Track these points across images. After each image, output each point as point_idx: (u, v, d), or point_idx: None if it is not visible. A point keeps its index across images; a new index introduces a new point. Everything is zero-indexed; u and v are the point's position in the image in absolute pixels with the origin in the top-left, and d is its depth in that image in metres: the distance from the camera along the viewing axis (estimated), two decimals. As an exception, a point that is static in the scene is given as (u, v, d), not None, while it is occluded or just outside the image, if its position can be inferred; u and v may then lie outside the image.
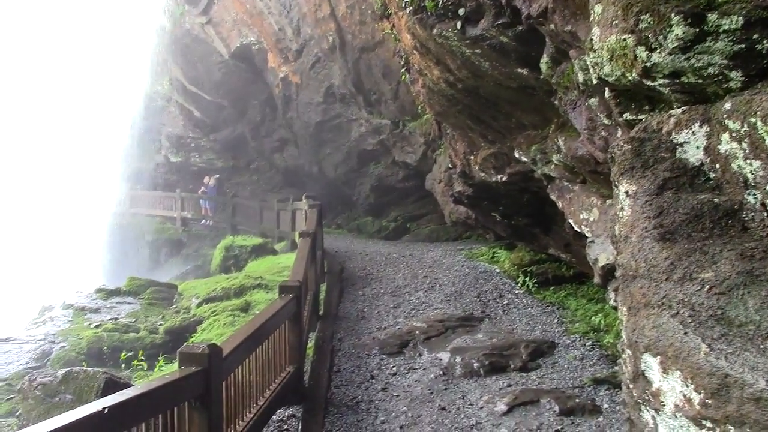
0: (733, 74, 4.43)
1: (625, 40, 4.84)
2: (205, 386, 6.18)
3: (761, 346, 4.01)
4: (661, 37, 4.58)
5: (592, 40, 5.38)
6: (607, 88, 5.56)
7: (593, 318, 13.01)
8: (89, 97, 31.85)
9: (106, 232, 31.11)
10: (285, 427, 9.27)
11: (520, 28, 8.85)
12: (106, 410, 4.67)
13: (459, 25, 9.86)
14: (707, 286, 4.27)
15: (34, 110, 31.19)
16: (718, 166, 4.54)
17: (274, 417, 9.21)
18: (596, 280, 9.13)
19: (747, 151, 4.29)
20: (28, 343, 17.37)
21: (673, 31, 4.50)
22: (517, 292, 15.42)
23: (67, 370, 11.73)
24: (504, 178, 13.75)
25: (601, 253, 8.81)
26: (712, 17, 4.37)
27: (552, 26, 7.56)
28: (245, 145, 33.54)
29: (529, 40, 8.91)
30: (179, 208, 33.61)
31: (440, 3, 10.27)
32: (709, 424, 4.16)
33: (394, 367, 11.48)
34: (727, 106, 4.42)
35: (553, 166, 10.61)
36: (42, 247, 29.11)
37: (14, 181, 30.26)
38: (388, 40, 21.35)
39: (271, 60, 29.15)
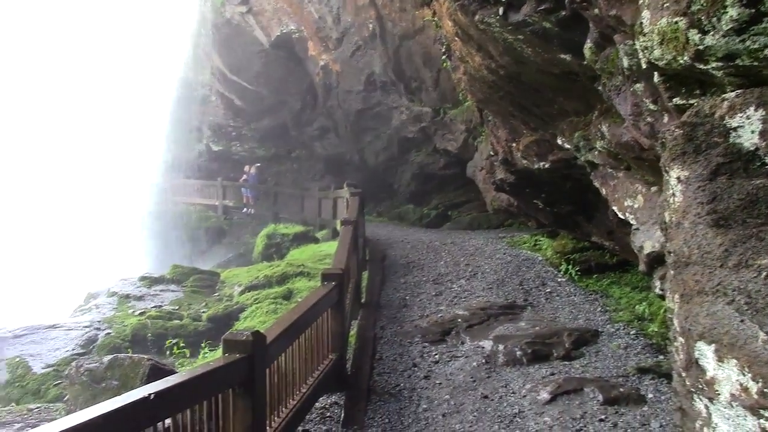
0: (791, 56, 4.32)
1: (676, 22, 4.74)
2: (249, 373, 6.20)
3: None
4: (714, 19, 4.47)
5: (641, 23, 5.27)
6: (656, 73, 5.45)
7: (637, 306, 12.85)
8: (132, 87, 32.09)
9: (150, 220, 31.38)
10: (328, 414, 9.29)
11: (563, 13, 8.73)
12: (153, 396, 4.70)
13: (501, 11, 9.75)
14: (764, 273, 4.17)
15: (78, 100, 31.51)
16: (774, 150, 4.43)
17: (316, 404, 9.24)
18: (641, 267, 9.02)
19: (803, 136, 4.19)
20: (75, 330, 17.60)
21: (727, 12, 4.39)
22: (559, 280, 15.29)
23: (112, 356, 11.88)
24: (546, 165, 13.62)
25: (646, 241, 8.70)
26: (768, -3, 4.26)
27: (596, 11, 7.45)
28: (286, 134, 33.62)
29: (572, 26, 8.79)
30: (221, 196, 33.82)
31: (482, -11, 10.18)
32: (767, 414, 4.07)
33: (436, 354, 11.45)
34: (785, 89, 4.32)
35: (596, 152, 10.47)
36: (87, 236, 29.43)
37: (62, 171, 30.61)
38: (429, 27, 21.28)
39: (311, 48, 29.18)
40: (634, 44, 5.88)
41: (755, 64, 4.45)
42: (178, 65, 33.06)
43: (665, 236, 5.15)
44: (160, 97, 32.70)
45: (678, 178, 4.92)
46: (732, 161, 4.59)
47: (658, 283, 7.97)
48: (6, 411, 13.93)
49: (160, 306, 19.06)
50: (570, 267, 15.53)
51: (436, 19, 14.98)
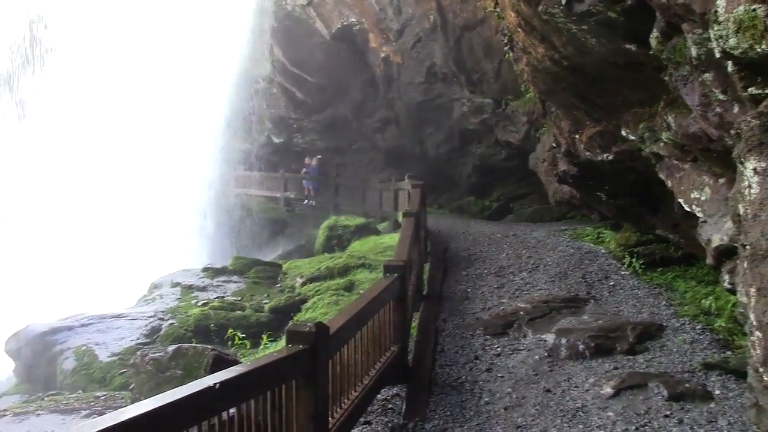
0: None
1: (754, 10, 4.63)
2: (312, 364, 6.24)
3: None
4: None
5: (716, 12, 5.17)
6: (730, 62, 5.33)
7: (703, 301, 12.63)
8: (194, 80, 32.41)
9: (212, 212, 31.73)
10: (389, 406, 9.31)
11: (629, 2, 8.61)
12: (218, 385, 4.76)
13: (565, 1, 9.65)
14: None
15: (141, 94, 31.94)
16: None
17: (378, 396, 9.25)
18: (708, 261, 8.86)
19: None
20: (139, 320, 17.90)
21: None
22: (623, 273, 15.12)
23: (177, 346, 12.05)
24: (610, 157, 13.44)
25: (714, 234, 8.54)
26: None
27: (663, 0, 7.33)
28: (347, 126, 33.71)
29: (637, 15, 8.66)
30: (283, 188, 34.06)
31: (546, -21, 10.08)
32: None
33: (498, 347, 11.41)
34: None
35: (661, 144, 10.31)
36: (151, 227, 29.83)
37: (127, 163, 31.06)
38: (491, 18, 21.13)
39: (372, 40, 29.20)
40: (704, 33, 5.77)
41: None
42: (239, 58, 33.30)
43: (739, 229, 5.04)
44: (222, 90, 32.98)
45: (754, 170, 4.80)
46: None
47: (726, 277, 7.82)
48: (73, 398, 14.26)
49: (223, 297, 19.26)
50: (634, 260, 15.33)
51: (498, 10, 14.87)
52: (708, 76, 6.90)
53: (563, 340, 11.14)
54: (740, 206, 4.98)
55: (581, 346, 10.88)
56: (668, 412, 8.50)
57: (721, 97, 6.72)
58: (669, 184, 10.68)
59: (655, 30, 8.24)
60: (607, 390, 9.26)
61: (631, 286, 14.17)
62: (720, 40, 5.16)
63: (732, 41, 4.98)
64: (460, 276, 15.83)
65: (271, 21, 32.05)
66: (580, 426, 8.38)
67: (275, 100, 35.64)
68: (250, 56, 33.47)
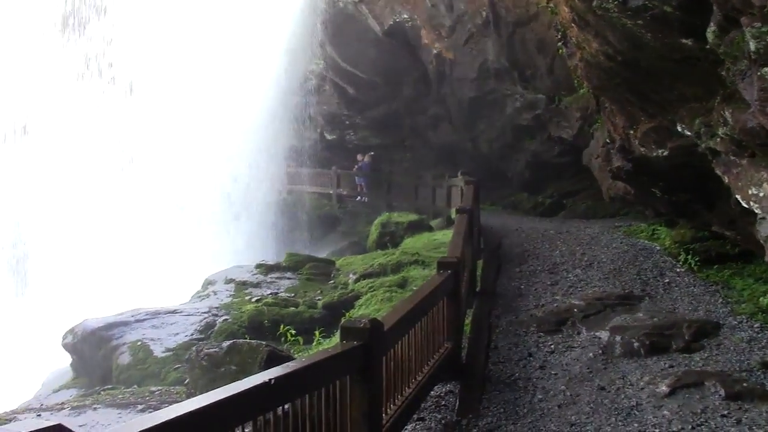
0: None
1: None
2: (366, 360, 6.27)
3: None
4: None
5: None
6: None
7: (761, 299, 12.42)
8: (246, 78, 32.61)
9: (265, 208, 31.93)
10: (443, 402, 9.32)
11: (685, -4, 8.54)
12: (273, 381, 4.81)
13: (619, -5, 9.59)
14: None
15: (195, 92, 32.21)
16: None
17: (431, 392, 9.27)
18: (767, 258, 8.75)
19: None
20: (193, 316, 18.08)
21: None
22: (678, 270, 14.94)
23: (231, 342, 12.19)
24: (665, 153, 13.30)
25: (772, 231, 8.43)
26: None
27: (721, -7, 7.26)
28: (399, 122, 33.72)
29: (693, 9, 8.57)
30: (335, 185, 34.19)
31: (600, -26, 10.01)
32: None
33: (551, 344, 11.36)
34: None
35: (718, 139, 10.18)
36: (206, 223, 30.14)
37: (183, 157, 31.35)
38: (543, 14, 21.03)
39: (424, 37, 29.18)
40: (763, 27, 5.70)
41: None
42: (291, 56, 33.44)
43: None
44: (274, 88, 33.13)
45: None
46: None
47: (785, 275, 7.71)
48: (129, 392, 14.47)
49: (276, 293, 19.36)
50: (689, 257, 15.13)
51: (551, 5, 14.80)
52: (767, 70, 6.81)
53: (618, 338, 11.05)
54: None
55: (636, 344, 10.79)
56: (726, 412, 8.39)
57: (781, 91, 6.63)
58: (726, 180, 10.55)
59: (712, 24, 8.15)
60: (663, 388, 9.17)
61: (687, 284, 14.00)
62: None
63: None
64: (513, 273, 15.77)
65: (323, 18, 32.14)
66: (635, 425, 8.31)
67: (327, 97, 35.77)
68: (302, 54, 33.61)
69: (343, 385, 5.98)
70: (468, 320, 12.32)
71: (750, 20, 6.79)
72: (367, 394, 6.25)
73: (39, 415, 12.39)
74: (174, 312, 18.26)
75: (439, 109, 31.60)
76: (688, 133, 11.36)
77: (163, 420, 3.78)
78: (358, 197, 33.62)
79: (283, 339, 15.23)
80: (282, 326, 15.76)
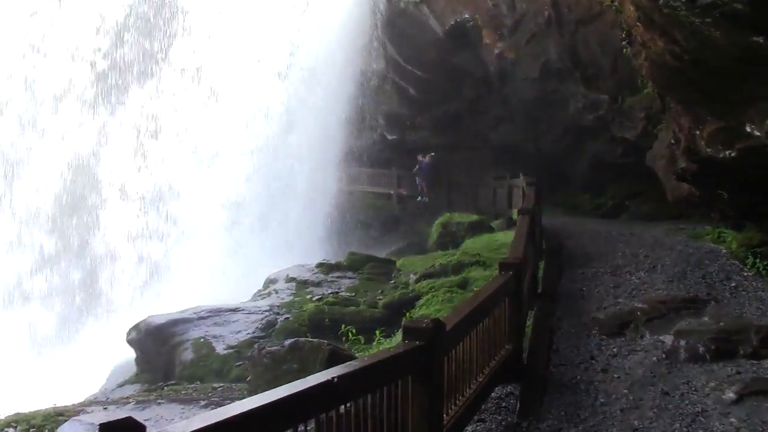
0: None
1: None
2: (428, 360, 6.25)
3: None
4: None
5: None
6: None
7: (833, 305, 12.17)
8: (308, 76, 32.79)
9: (325, 208, 32.02)
10: (503, 404, 9.26)
11: (756, -7, 8.37)
12: (336, 380, 4.82)
13: (687, -7, 9.44)
14: None
15: (255, 92, 32.46)
16: None
17: (492, 394, 9.22)
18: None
19: None
20: (255, 314, 18.24)
21: None
22: (745, 274, 14.63)
23: (293, 340, 12.28)
24: (733, 154, 13.05)
25: None
26: None
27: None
28: (460, 123, 33.57)
29: (765, 6, 8.40)
30: (395, 185, 34.18)
31: (668, -28, 9.86)
32: None
33: (614, 348, 11.23)
34: None
35: (789, 140, 9.99)
36: (266, 222, 30.34)
37: (244, 155, 31.64)
38: (607, 13, 20.79)
39: (485, 36, 29.03)
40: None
41: None
42: (352, 56, 33.51)
43: None
44: (335, 88, 33.22)
45: None
46: None
47: None
48: (192, 388, 14.67)
49: (337, 292, 19.44)
50: (757, 260, 14.82)
51: (615, 4, 14.62)
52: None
53: (682, 342, 10.86)
54: None
55: (701, 349, 10.60)
56: (796, 422, 8.20)
57: None
58: (797, 182, 10.33)
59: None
60: (729, 395, 8.99)
61: (755, 288, 13.71)
62: None
63: None
64: (575, 274, 15.64)
65: (383, 18, 32.17)
66: (701, 431, 8.17)
67: (388, 97, 35.75)
68: (362, 54, 33.67)
69: (404, 384, 5.98)
70: (529, 322, 12.23)
71: (824, 18, 6.63)
72: (428, 394, 6.23)
73: (105, 409, 12.63)
74: (236, 310, 18.44)
75: (500, 109, 31.42)
76: (758, 134, 11.16)
77: (231, 415, 3.83)
78: (419, 197, 33.55)
79: (344, 338, 15.28)
80: (343, 325, 15.82)
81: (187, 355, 16.68)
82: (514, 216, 18.11)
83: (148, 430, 3.26)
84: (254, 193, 30.97)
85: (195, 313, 18.28)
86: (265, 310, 18.38)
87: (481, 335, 8.31)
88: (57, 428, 11.08)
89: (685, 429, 8.26)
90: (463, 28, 29.66)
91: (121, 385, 17.01)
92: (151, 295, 25.52)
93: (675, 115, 15.03)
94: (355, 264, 21.78)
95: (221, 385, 14.76)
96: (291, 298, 19.46)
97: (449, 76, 32.02)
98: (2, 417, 12.39)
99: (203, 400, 13.29)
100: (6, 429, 11.70)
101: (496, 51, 28.77)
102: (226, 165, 31.45)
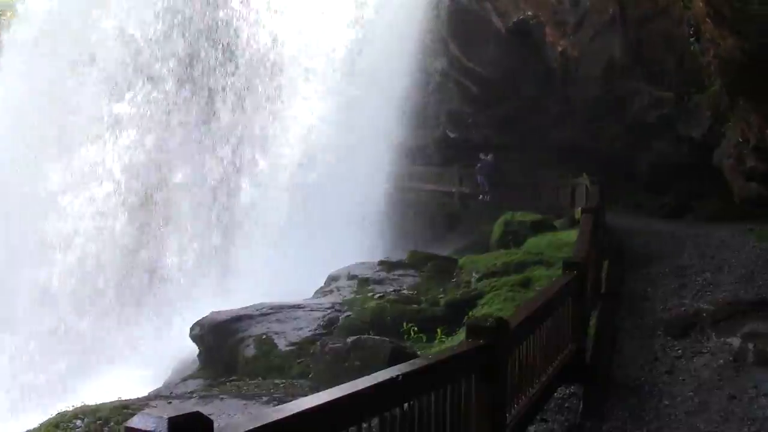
0: None
1: None
2: (491, 359, 6.22)
3: None
4: None
5: None
6: None
7: None
8: (371, 75, 32.78)
9: (386, 206, 32.02)
10: (566, 404, 9.19)
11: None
12: (401, 378, 4.83)
13: (760, -12, 9.27)
14: None
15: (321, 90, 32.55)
16: None
17: (555, 394, 9.15)
18: None
19: None
20: (317, 311, 18.28)
21: None
22: (817, 277, 14.33)
23: (356, 337, 12.31)
24: (804, 153, 12.83)
25: None
26: None
27: None
28: (521, 121, 33.34)
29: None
30: (457, 183, 34.06)
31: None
32: None
33: (679, 349, 11.07)
34: None
35: None
36: (327, 220, 30.42)
37: (304, 152, 31.75)
38: (673, 9, 20.55)
39: (548, 34, 28.89)
40: None
41: None
42: (414, 53, 33.46)
43: None
44: (398, 86, 33.18)
45: None
46: None
47: None
48: (254, 384, 14.76)
49: (399, 290, 19.40)
50: (830, 262, 14.51)
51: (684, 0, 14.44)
52: None
53: (750, 345, 10.66)
54: None
55: (771, 352, 10.41)
56: None
57: None
58: None
59: None
60: (801, 400, 8.81)
61: (826, 291, 13.41)
62: None
63: None
64: (638, 275, 15.45)
65: (446, 15, 32.11)
66: (770, 436, 8.03)
67: (450, 95, 35.63)
68: (424, 51, 33.61)
69: (468, 383, 5.96)
70: (592, 322, 12.10)
71: None
72: (491, 393, 6.21)
73: (170, 403, 12.80)
74: (298, 307, 18.50)
75: (562, 107, 31.17)
76: (831, 133, 10.93)
77: (303, 409, 3.87)
78: (480, 196, 33.38)
79: (405, 336, 15.27)
80: (405, 323, 15.79)
81: (249, 351, 16.79)
82: (577, 215, 17.93)
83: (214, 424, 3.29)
84: (317, 190, 31.07)
85: (257, 310, 18.39)
86: (327, 308, 18.41)
87: (544, 335, 8.26)
88: (123, 421, 11.29)
89: (752, 434, 8.12)
90: (525, 25, 29.55)
91: (184, 380, 17.19)
92: (215, 291, 25.74)
93: (744, 113, 14.80)
94: (416, 262, 21.75)
95: (283, 381, 14.82)
96: (353, 295, 19.47)
97: (511, 74, 31.87)
98: (69, 408, 12.62)
99: (265, 396, 13.35)
100: (74, 420, 11.94)
101: (559, 48, 28.61)
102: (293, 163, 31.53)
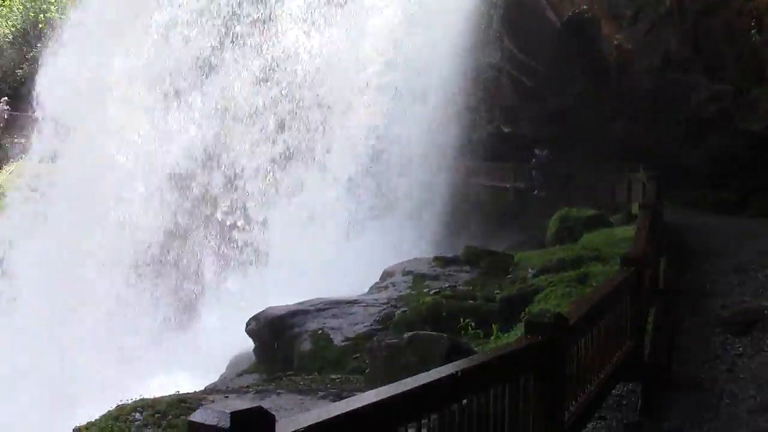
0: None
1: None
2: (550, 356, 6.17)
3: None
4: None
5: None
6: None
7: None
8: (425, 70, 32.72)
9: (441, 202, 31.98)
10: (624, 402, 9.11)
11: None
12: (460, 374, 4.83)
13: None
14: None
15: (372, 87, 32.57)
16: None
17: (612, 391, 9.08)
18: None
19: None
20: (372, 307, 18.33)
21: None
22: None
23: (413, 333, 12.30)
24: None
25: None
26: None
27: None
28: (575, 115, 33.06)
29: None
30: (511, 178, 33.91)
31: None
32: None
33: (740, 347, 10.89)
34: None
35: None
36: (383, 216, 30.47)
37: (364, 147, 31.86)
38: (733, 1, 20.24)
39: (604, 27, 28.66)
40: None
41: None
42: (468, 48, 33.31)
43: None
44: (452, 80, 33.07)
45: None
46: None
47: None
48: (309, 379, 14.86)
49: (454, 286, 19.37)
50: None
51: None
52: None
53: (815, 344, 10.49)
54: None
55: (838, 352, 10.21)
56: None
57: None
58: None
59: None
60: None
61: None
62: None
63: None
64: (697, 271, 15.26)
65: (501, 9, 31.98)
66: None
67: (503, 90, 35.49)
68: (479, 46, 33.46)
69: (526, 379, 5.92)
70: (650, 319, 11.98)
71: None
72: (549, 389, 6.17)
73: (226, 397, 12.90)
74: (353, 302, 18.57)
75: (618, 101, 30.89)
76: None
77: (364, 404, 3.88)
78: (535, 191, 33.18)
79: (462, 332, 15.24)
80: (462, 319, 15.76)
81: (305, 346, 16.89)
82: (634, 210, 17.76)
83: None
84: (371, 188, 31.17)
85: (313, 305, 18.48)
86: (383, 303, 18.44)
87: (602, 331, 8.18)
88: (181, 414, 11.45)
89: (818, 435, 7.98)
90: (580, 19, 29.32)
91: (240, 375, 17.37)
92: (270, 286, 25.95)
93: (806, 107, 14.51)
94: (471, 258, 21.67)
95: (338, 376, 14.89)
96: (408, 291, 19.47)
97: (565, 68, 31.66)
98: (129, 401, 12.81)
99: (321, 391, 13.42)
100: (132, 413, 12.12)
101: (615, 42, 28.38)
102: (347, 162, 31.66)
